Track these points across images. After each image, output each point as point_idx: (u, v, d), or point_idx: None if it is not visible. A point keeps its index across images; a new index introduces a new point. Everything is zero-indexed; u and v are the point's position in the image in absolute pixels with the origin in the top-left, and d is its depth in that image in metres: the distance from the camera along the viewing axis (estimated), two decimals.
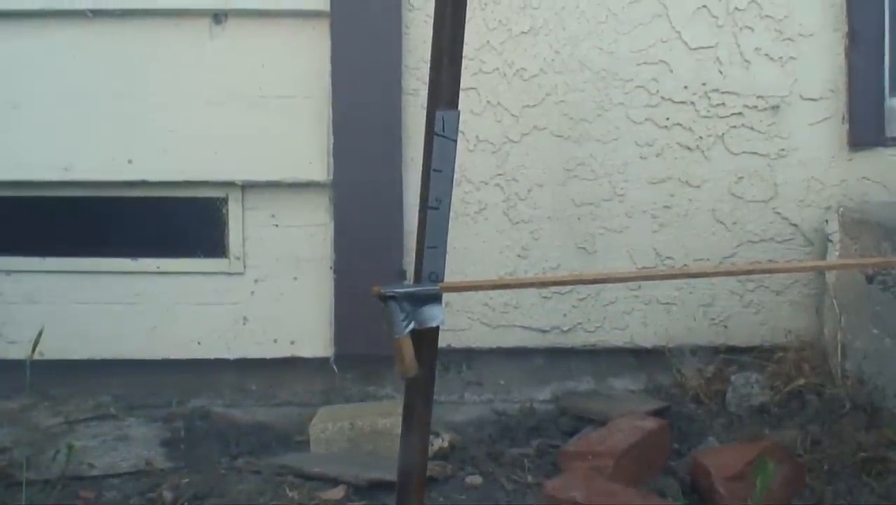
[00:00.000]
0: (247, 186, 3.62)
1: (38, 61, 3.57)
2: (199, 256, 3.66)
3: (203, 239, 3.67)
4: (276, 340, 3.66)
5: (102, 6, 3.52)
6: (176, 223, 3.70)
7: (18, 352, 3.54)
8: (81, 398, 3.57)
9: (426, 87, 1.89)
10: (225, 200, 3.64)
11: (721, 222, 3.63)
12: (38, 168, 3.59)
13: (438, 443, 3.09)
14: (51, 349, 3.45)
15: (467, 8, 1.88)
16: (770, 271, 3.65)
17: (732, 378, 3.46)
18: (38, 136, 3.58)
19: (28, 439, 3.22)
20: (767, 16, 3.56)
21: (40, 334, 3.17)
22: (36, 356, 3.25)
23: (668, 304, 3.66)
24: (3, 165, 3.59)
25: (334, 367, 3.64)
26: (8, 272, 3.65)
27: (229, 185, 3.61)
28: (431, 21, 1.88)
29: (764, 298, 3.66)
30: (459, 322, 3.60)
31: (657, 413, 3.29)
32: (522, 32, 3.57)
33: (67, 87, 3.57)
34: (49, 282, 3.65)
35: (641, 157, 3.61)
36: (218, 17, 3.55)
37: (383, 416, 3.21)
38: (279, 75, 3.58)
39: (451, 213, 1.93)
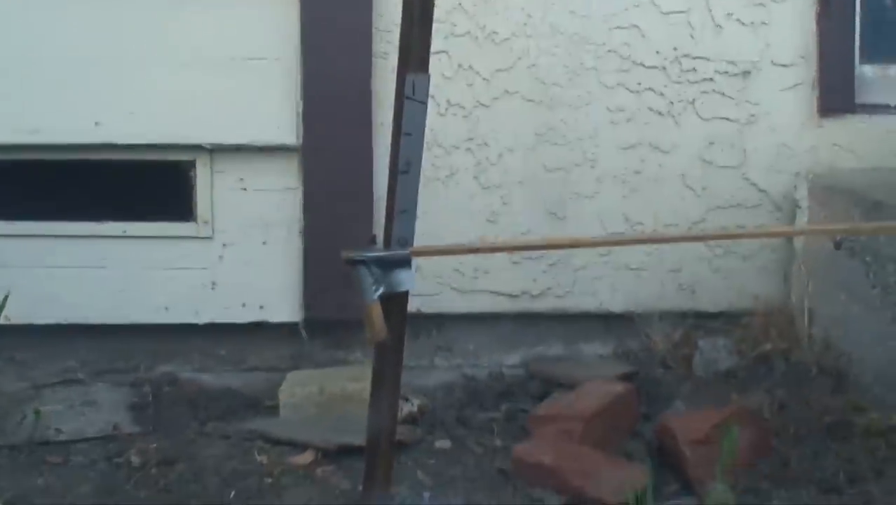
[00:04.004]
0: (215, 150, 3.58)
1: (3, 24, 3.51)
2: (166, 220, 3.63)
3: (171, 203, 3.63)
4: (244, 305, 3.64)
5: None
6: (143, 187, 3.67)
7: None
8: (48, 363, 3.55)
9: (397, 50, 1.88)
10: (193, 164, 3.60)
11: (691, 188, 3.64)
12: (4, 131, 3.54)
13: (408, 407, 3.09)
14: (17, 314, 3.42)
15: None
16: (739, 237, 3.67)
17: (700, 343, 3.49)
18: (4, 99, 3.53)
19: None
20: None
21: (6, 299, 3.14)
22: (2, 321, 3.23)
23: (637, 269, 3.67)
24: None
25: (303, 332, 3.63)
26: None
27: (197, 148, 3.57)
28: None
29: (732, 263, 3.67)
30: (429, 287, 3.60)
31: (626, 377, 3.31)
32: None
33: (34, 49, 3.51)
34: (15, 246, 3.61)
35: (612, 123, 3.61)
36: None
37: (352, 380, 3.20)
38: (249, 38, 3.54)
39: (422, 178, 1.93)
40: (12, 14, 3.51)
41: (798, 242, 3.56)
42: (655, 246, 3.69)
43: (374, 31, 3.51)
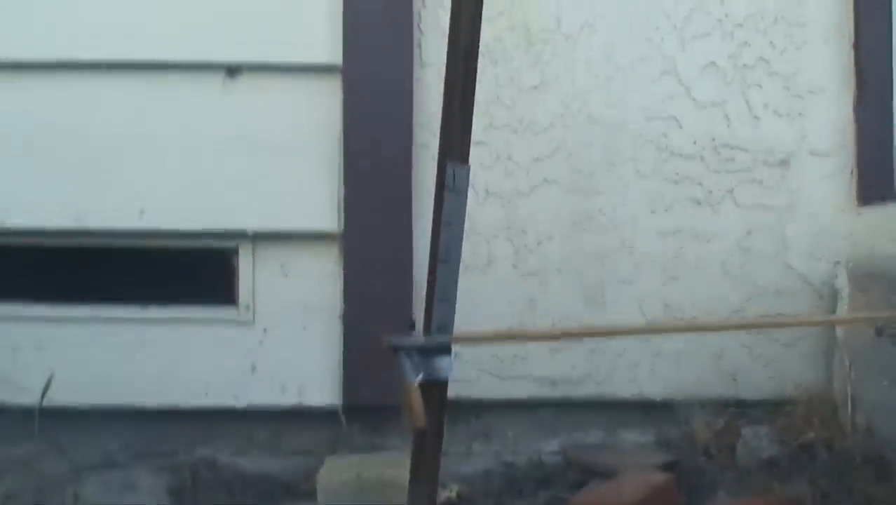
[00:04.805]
0: (257, 236, 3.63)
1: (51, 111, 3.60)
2: (208, 305, 3.67)
3: (213, 287, 3.68)
4: (284, 389, 3.65)
5: (118, 58, 3.56)
6: (186, 272, 3.72)
7: (27, 398, 3.54)
8: (89, 446, 3.56)
9: (437, 140, 1.92)
10: (235, 250, 3.66)
11: (730, 275, 3.63)
12: (49, 216, 3.61)
13: (446, 494, 3.07)
14: (59, 397, 3.47)
15: (478, 64, 1.91)
16: (779, 325, 3.64)
17: (742, 431, 3.44)
18: (51, 185, 3.61)
19: (35, 487, 3.22)
20: (775, 73, 3.60)
21: (50, 381, 3.19)
22: (45, 403, 3.27)
23: (677, 356, 3.64)
24: (14, 213, 3.61)
25: (342, 417, 3.63)
26: (17, 319, 3.66)
27: (240, 234, 3.63)
28: (443, 76, 1.91)
29: (773, 350, 3.64)
30: (468, 373, 3.59)
31: (666, 467, 3.27)
32: (533, 87, 3.61)
33: (81, 137, 3.60)
34: (58, 329, 3.66)
35: (651, 212, 3.63)
36: (232, 70, 3.59)
37: (391, 467, 3.19)
38: (291, 127, 3.61)
39: (461, 265, 1.95)
40: (56, 100, 3.61)
41: (840, 330, 3.52)
42: (696, 333, 3.66)
43: (414, 121, 3.57)
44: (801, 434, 3.36)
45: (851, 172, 3.62)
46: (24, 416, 3.51)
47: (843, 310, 3.50)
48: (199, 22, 3.56)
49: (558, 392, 3.66)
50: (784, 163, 3.62)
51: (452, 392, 1.98)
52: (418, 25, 3.58)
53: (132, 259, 3.70)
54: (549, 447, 3.63)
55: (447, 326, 1.92)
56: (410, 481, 2.00)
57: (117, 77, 3.58)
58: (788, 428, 3.42)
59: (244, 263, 3.65)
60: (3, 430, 3.54)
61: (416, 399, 1.86)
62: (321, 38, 3.56)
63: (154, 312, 3.65)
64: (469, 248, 3.52)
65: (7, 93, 3.59)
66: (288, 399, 3.65)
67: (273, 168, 3.60)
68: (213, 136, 3.60)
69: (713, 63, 3.60)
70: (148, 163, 3.60)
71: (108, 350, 3.64)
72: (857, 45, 3.61)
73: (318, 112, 3.59)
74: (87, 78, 3.58)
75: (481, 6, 1.89)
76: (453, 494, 3.09)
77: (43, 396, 3.45)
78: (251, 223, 3.61)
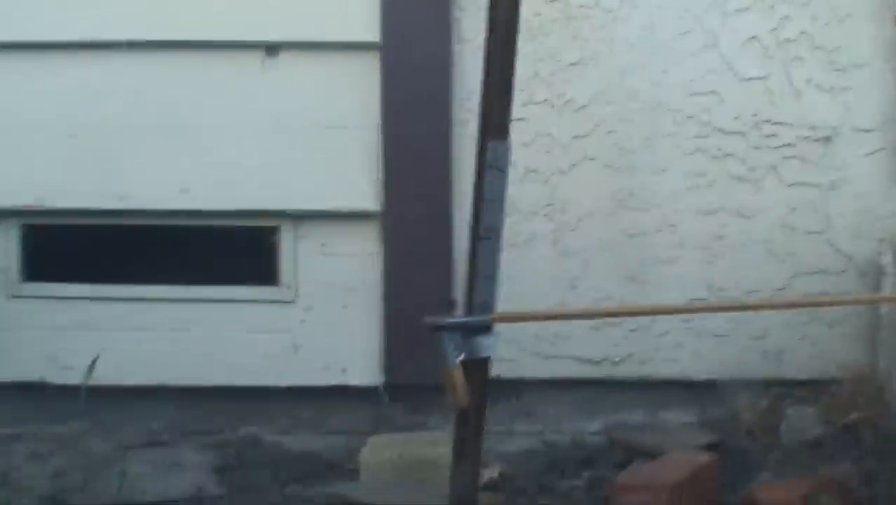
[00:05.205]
0: (298, 216, 3.65)
1: (94, 92, 3.64)
2: (251, 284, 3.70)
3: (255, 267, 3.70)
4: (326, 368, 3.67)
5: (160, 37, 3.58)
6: (228, 251, 3.75)
7: (73, 378, 3.57)
8: (135, 424, 3.61)
9: (476, 117, 1.91)
10: (277, 229, 3.68)
11: (774, 254, 3.60)
12: (93, 197, 3.65)
13: (488, 473, 3.07)
14: (105, 376, 3.49)
15: (517, 40, 1.90)
16: (823, 305, 3.60)
17: (786, 412, 3.42)
18: (95, 166, 3.65)
19: (82, 465, 3.26)
20: (818, 47, 3.54)
21: (95, 361, 3.22)
22: (90, 382, 3.30)
23: (720, 336, 3.62)
24: (59, 194, 3.66)
25: (384, 396, 3.65)
26: (63, 298, 3.71)
27: (281, 214, 3.65)
28: (481, 53, 1.90)
29: (817, 330, 3.61)
30: (509, 352, 3.59)
31: (709, 447, 3.25)
32: (572, 64, 3.58)
33: (122, 118, 3.63)
34: (104, 308, 3.71)
35: (692, 188, 3.59)
36: (271, 49, 3.60)
37: (433, 446, 3.20)
38: (331, 106, 3.62)
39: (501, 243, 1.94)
40: (101, 84, 3.64)
41: (884, 308, 3.48)
42: (739, 312, 3.64)
43: (453, 99, 3.56)
44: (846, 414, 3.33)
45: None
46: (70, 395, 3.55)
47: (887, 288, 3.45)
48: (238, 1, 3.57)
49: (600, 371, 3.65)
50: (827, 139, 3.57)
51: (493, 371, 1.98)
52: (456, 1, 3.56)
53: (175, 239, 3.73)
54: (592, 427, 3.62)
55: (489, 304, 1.92)
56: (453, 460, 2.00)
57: (157, 56, 3.61)
58: (833, 408, 3.39)
59: (286, 243, 3.67)
60: (50, 409, 3.60)
61: (459, 378, 1.86)
62: (359, 16, 3.56)
63: (197, 291, 3.69)
64: (509, 227, 3.50)
65: (49, 74, 3.63)
66: (330, 378, 3.67)
67: (313, 147, 3.61)
68: (252, 115, 3.62)
69: (755, 37, 3.55)
70: (189, 143, 3.63)
71: (151, 329, 3.68)
72: None
73: (357, 90, 3.59)
74: (127, 58, 3.60)
75: None
76: (496, 474, 3.10)
77: (88, 375, 3.47)
78: (292, 203, 3.63)
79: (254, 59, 3.60)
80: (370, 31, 3.55)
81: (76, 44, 3.60)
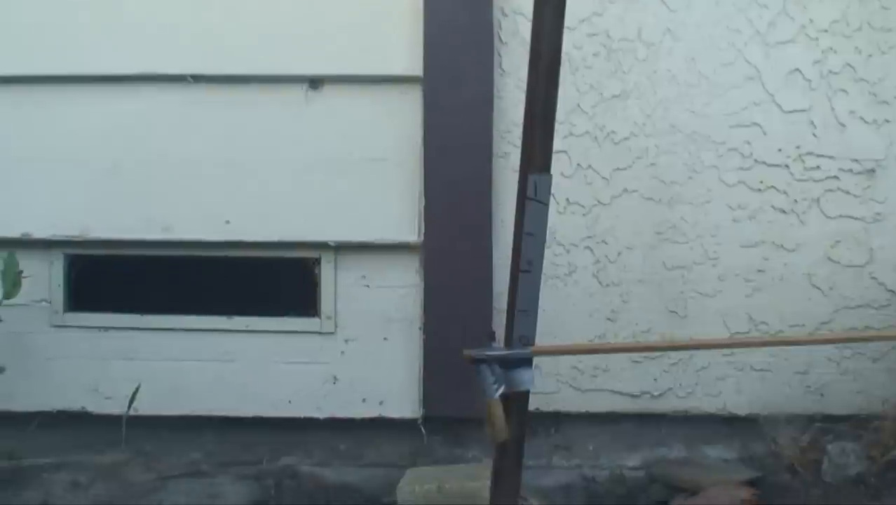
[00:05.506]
0: (339, 247, 3.67)
1: (137, 124, 3.68)
2: (291, 315, 3.71)
3: (295, 298, 3.72)
4: (365, 400, 3.67)
5: (202, 72, 3.62)
6: (269, 282, 3.76)
7: (114, 407, 3.63)
8: (174, 455, 3.62)
9: (517, 150, 1.91)
10: (318, 261, 3.70)
11: (817, 287, 3.56)
12: (137, 228, 3.69)
13: None
14: (145, 406, 3.53)
15: (559, 73, 1.90)
16: (867, 339, 3.55)
17: (828, 447, 3.37)
18: (138, 197, 3.69)
19: (121, 495, 3.28)
20: (861, 79, 3.52)
21: (137, 390, 3.25)
22: (131, 412, 3.33)
23: (762, 370, 3.58)
24: (103, 225, 3.70)
25: (422, 428, 3.64)
26: (105, 329, 3.74)
27: (322, 245, 3.67)
28: (522, 85, 1.91)
29: (860, 365, 3.56)
30: (548, 385, 3.58)
31: (751, 483, 3.22)
32: (614, 96, 3.58)
33: (166, 150, 3.67)
34: (145, 339, 3.73)
35: (734, 221, 3.58)
36: (314, 82, 3.63)
37: (471, 479, 3.19)
38: (372, 139, 3.64)
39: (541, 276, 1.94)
40: (146, 117, 3.68)
41: None
42: (781, 347, 3.60)
43: (494, 131, 3.56)
44: (889, 450, 3.29)
45: None
46: (111, 424, 3.59)
47: None
48: (282, 34, 3.61)
49: (640, 405, 3.63)
50: (871, 172, 3.54)
51: (532, 404, 1.98)
52: (498, 34, 3.57)
53: (217, 270, 3.75)
54: (631, 462, 3.59)
55: (528, 337, 1.91)
56: (492, 494, 1.99)
57: (202, 89, 3.64)
58: (876, 444, 3.34)
59: (326, 274, 3.68)
60: (91, 438, 3.62)
61: (498, 412, 1.85)
62: (402, 49, 3.58)
63: (238, 322, 3.71)
64: (549, 259, 3.51)
65: (97, 107, 3.68)
66: (369, 410, 3.67)
67: (354, 179, 3.63)
68: (295, 147, 3.64)
69: (797, 69, 3.53)
70: (232, 175, 3.65)
71: (193, 360, 3.71)
72: None
73: (399, 122, 3.61)
74: (172, 92, 3.64)
75: (563, 15, 1.88)
76: None
77: (130, 405, 3.51)
78: (333, 234, 3.64)
79: (297, 93, 3.64)
80: (413, 64, 3.57)
81: (121, 77, 3.65)
